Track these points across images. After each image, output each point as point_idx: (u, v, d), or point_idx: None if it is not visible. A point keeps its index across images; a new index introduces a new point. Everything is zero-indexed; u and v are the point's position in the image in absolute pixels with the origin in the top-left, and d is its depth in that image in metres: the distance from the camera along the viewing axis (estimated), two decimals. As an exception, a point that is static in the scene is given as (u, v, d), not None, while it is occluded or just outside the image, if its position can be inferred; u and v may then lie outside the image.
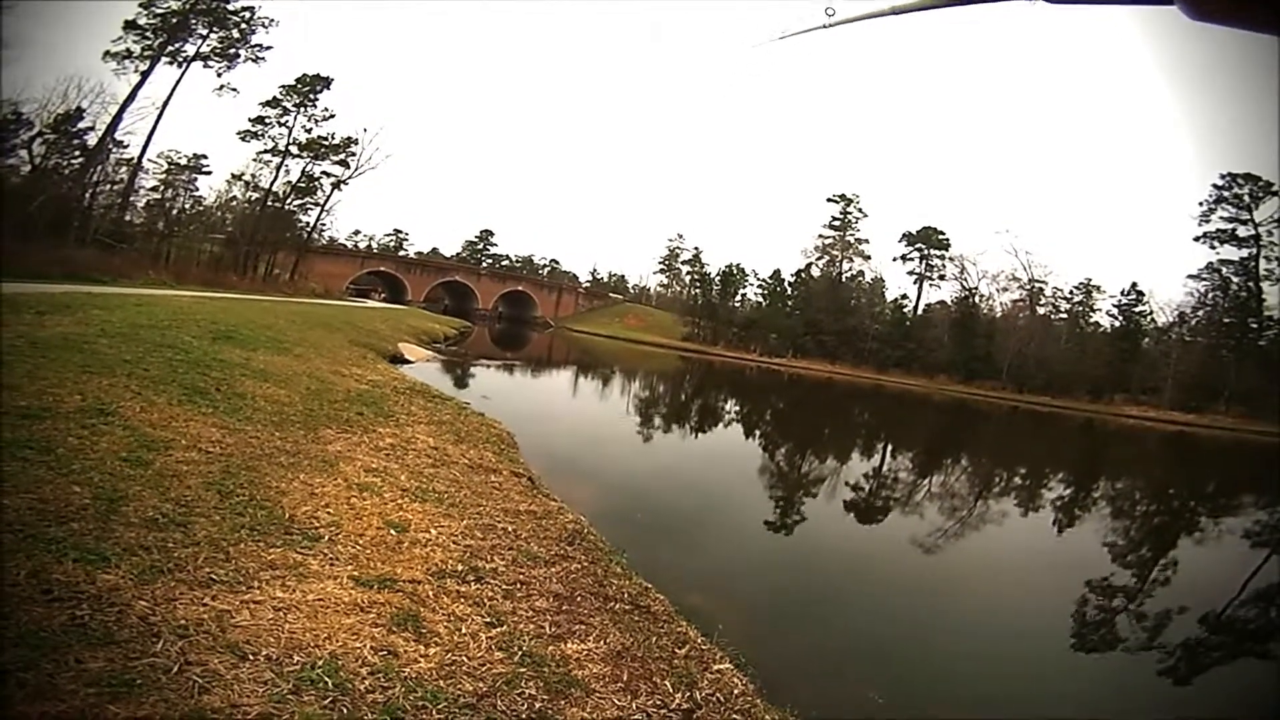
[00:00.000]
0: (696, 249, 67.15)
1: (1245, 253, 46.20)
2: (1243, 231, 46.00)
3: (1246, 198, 45.78)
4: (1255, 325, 46.01)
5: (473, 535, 4.04)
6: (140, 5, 28.51)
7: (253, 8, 31.43)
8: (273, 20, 32.08)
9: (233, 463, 4.10)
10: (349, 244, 62.24)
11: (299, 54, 70.54)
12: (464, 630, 2.68)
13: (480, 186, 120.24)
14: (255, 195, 36.09)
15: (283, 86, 35.97)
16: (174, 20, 29.11)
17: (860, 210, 58.54)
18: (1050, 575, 8.06)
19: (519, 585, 3.42)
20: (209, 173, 37.72)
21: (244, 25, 31.39)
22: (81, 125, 25.30)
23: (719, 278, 62.79)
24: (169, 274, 22.55)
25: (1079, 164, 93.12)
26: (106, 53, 27.67)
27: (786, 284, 59.99)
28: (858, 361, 52.62)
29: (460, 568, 3.39)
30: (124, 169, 28.83)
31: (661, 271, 75.29)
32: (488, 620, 2.85)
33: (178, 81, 29.35)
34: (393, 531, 3.66)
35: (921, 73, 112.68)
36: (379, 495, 4.30)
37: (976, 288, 54.24)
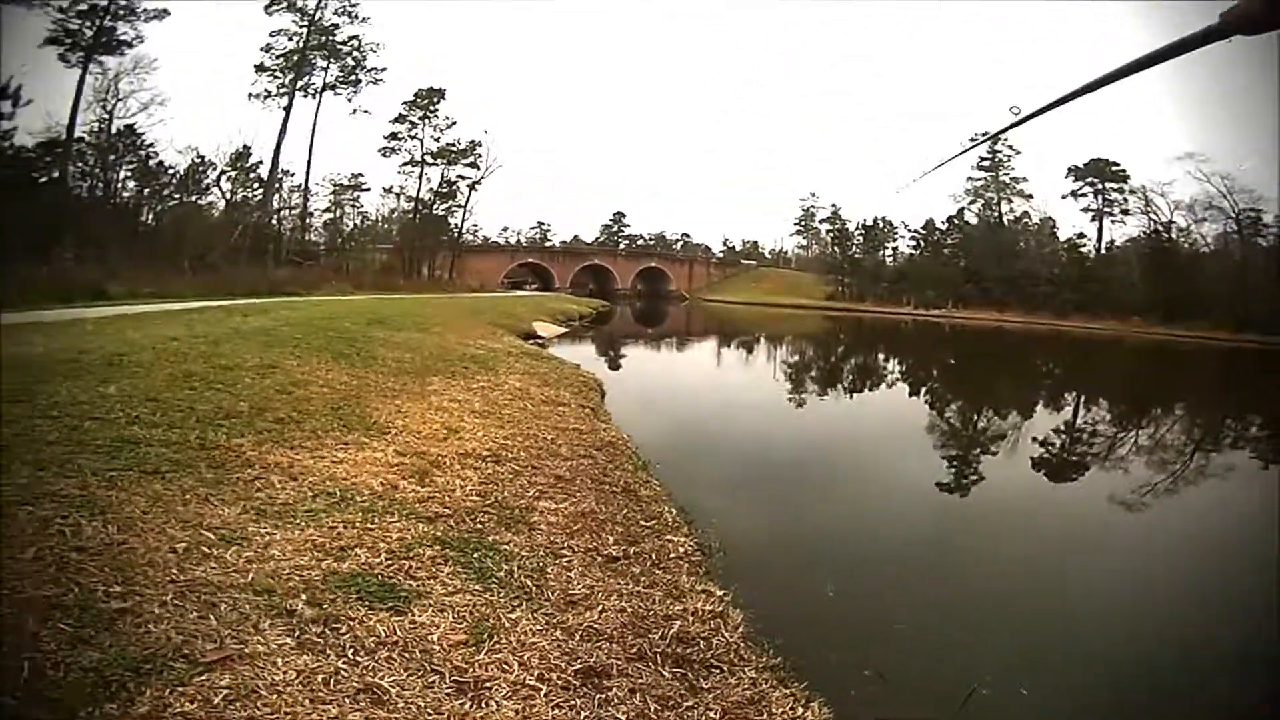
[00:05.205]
0: (834, 205, 63.79)
1: None
2: None
3: None
4: None
5: (513, 439, 5.05)
6: (260, 49, 34.04)
7: (358, 36, 35.67)
8: (379, 44, 36.23)
9: (349, 393, 5.52)
10: (500, 240, 67.87)
11: (415, 69, 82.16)
12: (457, 483, 3.65)
13: (610, 169, 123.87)
14: (408, 205, 41.22)
15: (405, 103, 40.46)
16: (295, 58, 34.24)
17: (1011, 148, 51.86)
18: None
19: (529, 469, 4.34)
20: (368, 189, 42.17)
21: (355, 53, 35.77)
22: (251, 160, 31.14)
23: (861, 233, 59.34)
24: (348, 282, 27.04)
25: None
26: (249, 94, 33.63)
27: (940, 232, 55.10)
28: (1030, 308, 46.89)
29: (485, 453, 4.40)
30: (296, 194, 34.88)
31: (798, 232, 72.73)
32: (482, 481, 3.80)
33: (316, 111, 34.89)
34: (445, 432, 4.78)
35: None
36: (450, 413, 5.49)
37: (1171, 220, 45.71)
